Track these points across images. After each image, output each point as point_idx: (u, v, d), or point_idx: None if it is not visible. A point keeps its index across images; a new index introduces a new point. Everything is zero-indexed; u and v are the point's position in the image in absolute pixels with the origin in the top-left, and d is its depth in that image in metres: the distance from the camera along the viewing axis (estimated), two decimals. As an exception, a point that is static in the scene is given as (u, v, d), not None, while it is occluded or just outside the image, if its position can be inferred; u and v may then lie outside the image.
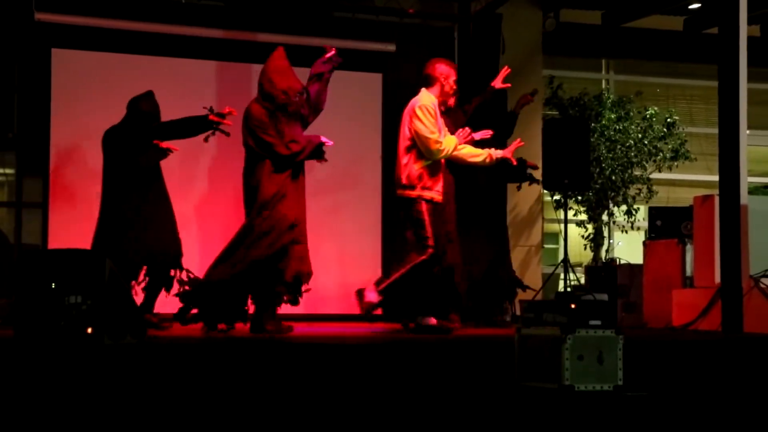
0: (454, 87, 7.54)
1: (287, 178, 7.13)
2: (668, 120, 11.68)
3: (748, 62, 7.99)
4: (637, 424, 5.31)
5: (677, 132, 11.70)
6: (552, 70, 11.98)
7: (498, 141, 8.34)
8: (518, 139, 7.82)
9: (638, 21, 12.07)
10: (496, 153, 7.50)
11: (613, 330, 5.50)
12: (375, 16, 10.67)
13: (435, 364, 5.87)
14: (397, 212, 7.49)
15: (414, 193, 7.27)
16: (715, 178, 8.38)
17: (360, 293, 7.22)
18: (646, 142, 11.47)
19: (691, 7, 11.84)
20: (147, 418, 5.02)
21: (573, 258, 10.88)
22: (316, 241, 7.60)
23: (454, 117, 8.03)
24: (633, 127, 11.51)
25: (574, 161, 9.66)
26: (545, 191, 11.17)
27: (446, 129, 7.46)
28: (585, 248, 11.86)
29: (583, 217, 11.77)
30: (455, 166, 7.76)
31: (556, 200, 11.28)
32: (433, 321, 7.38)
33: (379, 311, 7.46)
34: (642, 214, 11.82)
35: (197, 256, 8.87)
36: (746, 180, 8.00)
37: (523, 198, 10.83)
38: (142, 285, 7.71)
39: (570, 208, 10.90)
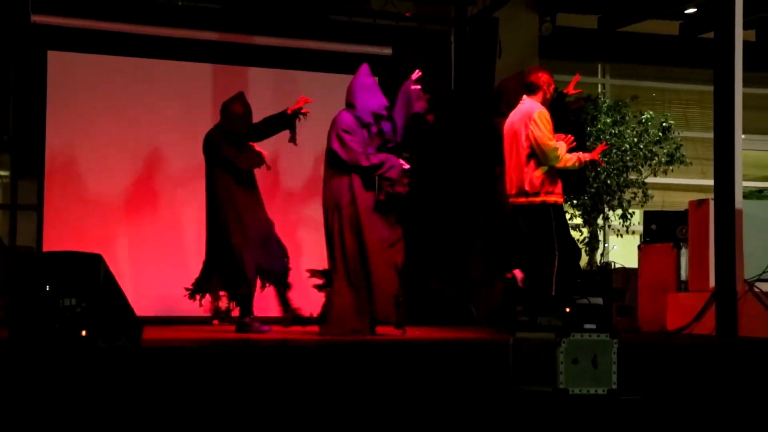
0: (553, 94, 7.61)
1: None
2: (664, 124, 11.67)
3: (744, 67, 7.99)
4: (631, 428, 5.33)
5: (673, 136, 11.69)
6: (548, 74, 11.98)
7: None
8: (603, 142, 8.03)
9: (634, 25, 12.10)
10: (584, 156, 7.54)
11: (607, 334, 5.51)
12: (371, 20, 10.68)
13: (430, 367, 5.87)
14: (520, 219, 7.52)
15: (538, 200, 7.36)
16: (710, 182, 8.39)
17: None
18: (641, 146, 11.46)
19: (687, 11, 11.86)
20: (141, 420, 5.02)
21: (568, 261, 10.86)
22: (314, 242, 7.58)
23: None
24: (628, 131, 11.50)
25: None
26: (541, 195, 11.15)
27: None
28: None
29: (579, 221, 11.77)
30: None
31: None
32: None
33: None
34: (637, 218, 11.80)
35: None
36: (741, 184, 8.01)
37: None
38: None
39: (565, 212, 10.88)
